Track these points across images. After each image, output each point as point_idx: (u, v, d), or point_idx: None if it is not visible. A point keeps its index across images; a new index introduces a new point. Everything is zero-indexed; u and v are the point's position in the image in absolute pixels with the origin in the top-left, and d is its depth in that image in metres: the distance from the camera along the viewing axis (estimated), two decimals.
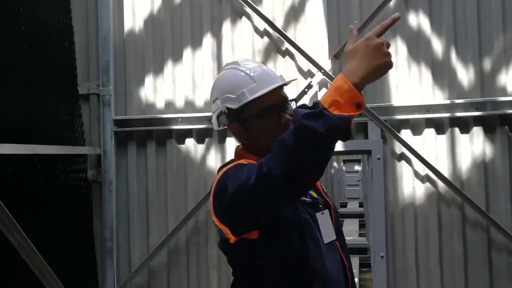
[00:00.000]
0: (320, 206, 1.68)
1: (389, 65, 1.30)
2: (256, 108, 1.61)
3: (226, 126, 1.71)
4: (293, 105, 1.68)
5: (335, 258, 1.64)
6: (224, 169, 1.59)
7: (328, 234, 1.64)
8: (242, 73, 1.65)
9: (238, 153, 1.72)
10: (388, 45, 1.30)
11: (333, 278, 1.60)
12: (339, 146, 3.51)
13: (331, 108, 1.25)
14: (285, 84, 1.68)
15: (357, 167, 12.98)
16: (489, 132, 3.39)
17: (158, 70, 3.82)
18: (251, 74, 1.64)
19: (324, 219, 1.65)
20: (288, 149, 1.27)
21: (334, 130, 1.24)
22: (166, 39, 3.82)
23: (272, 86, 1.61)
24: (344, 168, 13.03)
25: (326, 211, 1.68)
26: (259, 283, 1.58)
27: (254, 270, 1.58)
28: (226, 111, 1.64)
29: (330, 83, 3.44)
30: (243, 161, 1.61)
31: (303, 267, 1.55)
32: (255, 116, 1.61)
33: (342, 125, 1.24)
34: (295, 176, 1.30)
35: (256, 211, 1.42)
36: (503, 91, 3.37)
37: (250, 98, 1.59)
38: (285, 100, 1.66)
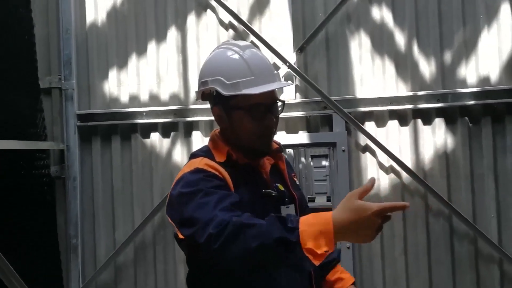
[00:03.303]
0: (286, 200, 1.68)
1: (370, 240, 1.25)
2: (244, 102, 1.56)
3: (207, 101, 1.69)
4: (281, 106, 1.66)
5: None
6: (186, 170, 1.55)
7: None
8: (242, 61, 1.59)
9: (212, 138, 1.70)
10: (386, 221, 1.23)
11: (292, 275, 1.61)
12: (305, 139, 3.53)
13: (306, 245, 1.22)
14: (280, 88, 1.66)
15: (325, 162, 13.06)
16: (450, 123, 3.46)
17: (122, 63, 3.76)
18: (251, 65, 1.59)
19: (288, 213, 1.63)
20: (247, 250, 1.26)
21: (291, 264, 1.33)
22: (130, 32, 3.76)
23: (268, 88, 1.57)
24: (312, 163, 13.10)
25: (292, 206, 1.68)
26: (208, 278, 1.57)
27: (200, 266, 1.57)
28: (214, 93, 1.60)
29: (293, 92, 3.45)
30: (204, 165, 1.55)
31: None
32: (242, 109, 1.57)
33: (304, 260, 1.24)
34: (238, 267, 1.33)
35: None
36: (463, 83, 3.45)
37: (243, 92, 1.54)
38: (274, 100, 1.63)
